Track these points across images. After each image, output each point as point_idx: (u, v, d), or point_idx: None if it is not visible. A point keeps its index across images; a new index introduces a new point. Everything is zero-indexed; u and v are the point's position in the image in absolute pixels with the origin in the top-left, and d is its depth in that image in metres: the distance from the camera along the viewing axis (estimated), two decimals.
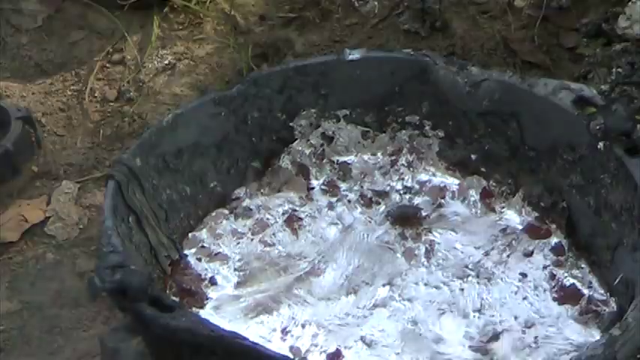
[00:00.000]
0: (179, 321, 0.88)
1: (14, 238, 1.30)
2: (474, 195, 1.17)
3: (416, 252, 1.13)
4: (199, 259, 1.11)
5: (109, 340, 0.92)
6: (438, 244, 1.14)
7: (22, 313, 1.22)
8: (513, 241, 1.13)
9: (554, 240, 1.12)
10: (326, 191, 1.19)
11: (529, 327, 1.04)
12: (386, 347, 1.03)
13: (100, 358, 0.99)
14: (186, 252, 1.11)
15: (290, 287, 1.09)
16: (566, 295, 1.07)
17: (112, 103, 1.46)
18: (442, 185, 1.19)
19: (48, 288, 1.25)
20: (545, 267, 1.10)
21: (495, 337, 1.03)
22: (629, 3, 1.39)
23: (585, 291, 1.07)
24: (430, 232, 1.15)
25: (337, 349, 1.03)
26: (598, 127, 1.06)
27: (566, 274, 1.09)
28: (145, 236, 1.06)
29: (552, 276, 1.09)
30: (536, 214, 1.14)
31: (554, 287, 1.08)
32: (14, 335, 1.19)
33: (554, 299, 1.07)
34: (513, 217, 1.15)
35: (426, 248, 1.13)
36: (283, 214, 1.17)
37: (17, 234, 1.30)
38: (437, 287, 1.09)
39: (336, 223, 1.16)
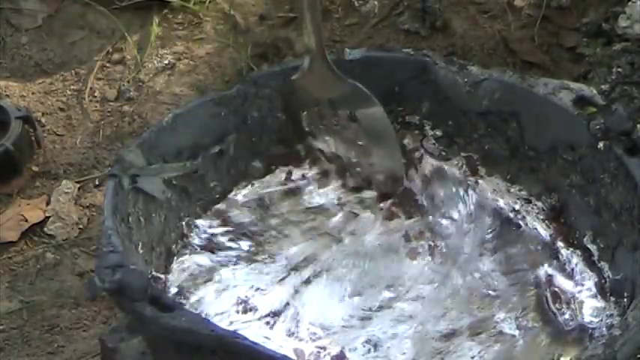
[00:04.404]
0: (179, 321, 0.88)
1: (14, 237, 1.30)
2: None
3: (419, 250, 1.13)
4: (199, 259, 1.11)
5: (109, 340, 0.92)
6: (441, 241, 1.14)
7: (22, 313, 1.22)
8: None
9: (555, 239, 1.12)
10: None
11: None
12: (391, 348, 1.03)
13: (100, 358, 0.99)
14: (186, 251, 1.11)
15: (293, 288, 1.09)
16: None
17: (111, 103, 1.46)
18: None
19: (48, 288, 1.25)
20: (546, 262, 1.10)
21: (501, 333, 1.04)
22: (629, 3, 1.39)
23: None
24: (432, 230, 1.15)
25: (341, 351, 1.03)
26: (598, 127, 1.06)
27: (568, 269, 1.09)
28: (145, 236, 1.06)
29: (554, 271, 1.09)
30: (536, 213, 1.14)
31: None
32: (14, 335, 1.19)
33: None
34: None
35: (429, 245, 1.13)
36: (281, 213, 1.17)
37: (17, 234, 1.30)
38: (441, 285, 1.09)
39: (338, 223, 1.16)
